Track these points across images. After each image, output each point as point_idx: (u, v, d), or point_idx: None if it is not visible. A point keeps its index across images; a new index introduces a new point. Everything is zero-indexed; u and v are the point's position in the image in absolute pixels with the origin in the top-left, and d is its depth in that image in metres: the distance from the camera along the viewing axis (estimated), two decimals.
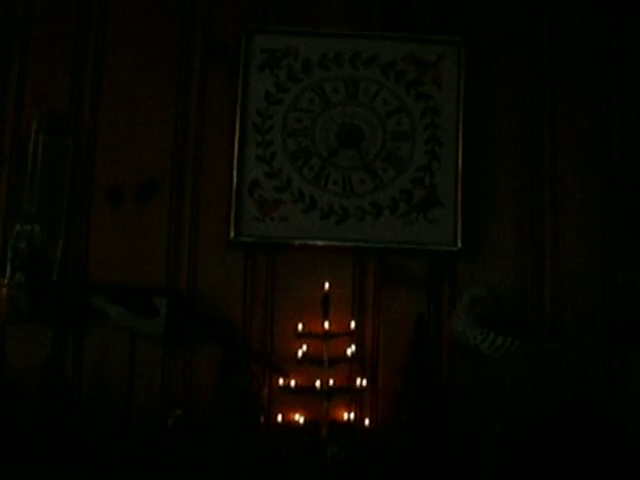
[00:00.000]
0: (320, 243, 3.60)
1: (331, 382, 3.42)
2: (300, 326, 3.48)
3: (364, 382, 3.47)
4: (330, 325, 3.46)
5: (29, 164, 3.54)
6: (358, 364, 3.51)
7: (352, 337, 3.50)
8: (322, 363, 3.43)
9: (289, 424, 3.40)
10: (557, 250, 3.68)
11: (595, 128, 3.76)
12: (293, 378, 3.45)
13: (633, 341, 3.51)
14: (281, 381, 3.45)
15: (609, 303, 3.61)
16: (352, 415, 3.44)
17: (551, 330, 3.53)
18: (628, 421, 3.40)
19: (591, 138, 3.76)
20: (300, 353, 3.44)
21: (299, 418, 3.41)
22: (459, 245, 3.62)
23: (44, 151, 3.56)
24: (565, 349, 3.45)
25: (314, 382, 3.42)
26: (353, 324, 3.52)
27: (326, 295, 3.48)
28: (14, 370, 3.40)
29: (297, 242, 3.60)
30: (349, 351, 3.47)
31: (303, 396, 3.42)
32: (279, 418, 3.41)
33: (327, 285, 3.49)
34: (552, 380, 3.42)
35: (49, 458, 3.14)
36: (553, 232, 3.69)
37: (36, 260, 3.44)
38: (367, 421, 3.44)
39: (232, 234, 3.57)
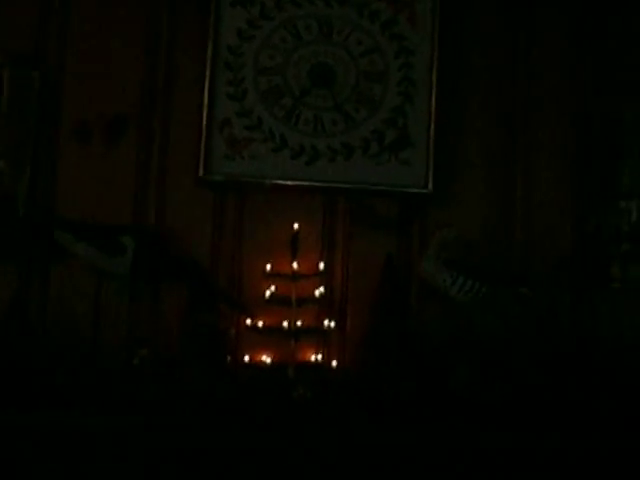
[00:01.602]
0: (290, 183, 3.58)
1: (299, 323, 3.44)
2: (268, 266, 3.49)
3: (332, 323, 3.48)
4: (299, 266, 3.47)
5: None
6: (326, 305, 3.52)
7: (321, 278, 3.51)
8: (290, 303, 3.44)
9: (256, 364, 3.42)
10: (528, 194, 3.68)
11: (568, 68, 3.76)
12: (261, 318, 3.46)
13: (601, 285, 3.56)
14: (248, 321, 3.45)
15: (579, 247, 3.63)
16: (319, 356, 3.47)
17: (521, 274, 3.54)
18: (596, 362, 3.43)
19: (564, 80, 3.74)
20: (268, 293, 3.46)
21: (266, 359, 3.43)
22: (430, 187, 3.61)
23: (10, 85, 3.53)
24: (535, 293, 3.45)
25: (282, 322, 3.43)
26: (322, 265, 3.53)
27: (295, 235, 3.48)
28: None
29: (267, 181, 3.57)
30: (317, 292, 3.48)
31: (270, 336, 3.43)
32: (246, 358, 3.43)
33: (296, 225, 3.49)
34: (522, 324, 3.41)
35: (14, 399, 3.10)
36: (525, 176, 3.68)
37: (1, 197, 3.42)
38: (334, 362, 3.46)
39: (201, 172, 3.55)
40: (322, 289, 3.48)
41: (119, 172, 3.57)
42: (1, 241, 3.40)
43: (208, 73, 3.59)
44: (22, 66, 3.54)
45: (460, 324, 3.45)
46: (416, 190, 3.62)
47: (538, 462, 3.13)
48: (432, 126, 3.64)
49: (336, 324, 3.49)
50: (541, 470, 3.13)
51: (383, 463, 3.11)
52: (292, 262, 3.46)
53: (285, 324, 3.42)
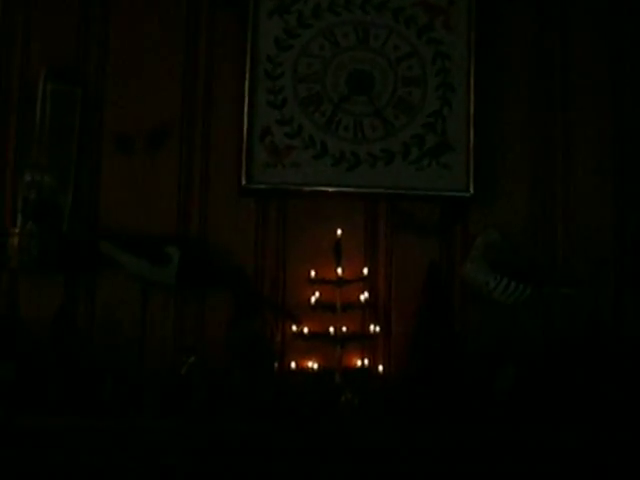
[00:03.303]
0: (331, 189, 3.58)
1: (344, 329, 3.41)
2: (313, 272, 3.47)
3: (377, 328, 3.46)
4: (343, 271, 3.45)
5: (37, 113, 3.51)
6: (371, 310, 3.50)
7: (365, 283, 3.49)
8: (335, 309, 3.42)
9: (302, 371, 3.40)
10: (569, 195, 3.66)
11: (608, 70, 3.73)
12: (306, 325, 3.44)
13: None
14: (294, 328, 3.44)
15: (620, 247, 3.61)
16: (365, 361, 3.44)
17: (563, 275, 3.53)
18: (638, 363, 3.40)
19: (605, 81, 3.72)
20: (313, 299, 3.44)
21: (312, 365, 3.41)
22: (471, 191, 3.59)
23: (52, 100, 3.53)
24: (577, 294, 3.45)
25: (327, 329, 3.41)
26: (366, 270, 3.51)
27: (338, 241, 3.47)
28: (26, 319, 3.40)
29: (309, 188, 3.58)
30: (362, 297, 3.46)
31: (316, 343, 3.42)
32: (292, 365, 3.41)
33: (339, 231, 3.48)
34: (564, 324, 3.44)
35: (62, 408, 3.14)
36: (566, 177, 3.67)
37: (46, 209, 3.43)
38: (381, 367, 3.44)
39: (243, 181, 3.55)
40: (366, 294, 3.48)
41: (161, 183, 3.56)
42: (47, 253, 3.41)
43: (247, 82, 3.59)
44: (64, 81, 3.57)
45: (504, 326, 3.44)
46: (457, 194, 3.62)
47: (584, 461, 3.15)
48: (471, 129, 3.62)
49: (381, 329, 3.49)
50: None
51: (430, 466, 3.13)
52: (336, 268, 3.46)
53: (331, 330, 3.41)
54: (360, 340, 3.45)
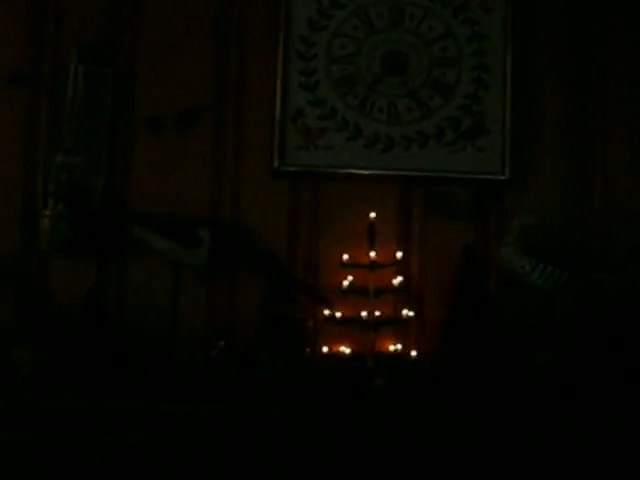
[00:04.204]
0: (365, 172, 3.56)
1: (377, 313, 3.40)
2: (345, 256, 3.45)
3: (410, 313, 3.44)
4: (376, 255, 3.43)
5: (68, 95, 3.51)
6: (404, 295, 3.49)
7: (398, 267, 3.48)
8: (368, 293, 3.40)
9: (335, 355, 3.39)
10: (605, 179, 3.64)
11: None
12: (338, 309, 3.42)
13: None
14: (326, 312, 3.42)
15: None
16: (398, 346, 3.44)
17: (598, 260, 3.49)
18: None
19: None
20: (346, 283, 3.42)
21: (345, 349, 3.40)
22: (507, 174, 3.57)
23: (83, 81, 3.52)
24: (612, 279, 3.42)
25: (360, 313, 3.39)
26: (399, 254, 3.49)
27: (372, 225, 3.45)
28: (58, 301, 3.39)
29: (342, 171, 3.57)
30: (395, 281, 3.44)
31: (349, 327, 3.41)
32: (324, 349, 3.40)
33: (372, 215, 3.46)
34: (598, 309, 3.41)
35: (95, 390, 3.14)
36: (602, 161, 3.65)
37: (78, 191, 3.43)
38: (414, 352, 3.42)
39: (276, 163, 3.54)
40: (400, 278, 3.46)
41: (193, 165, 3.56)
42: (78, 236, 3.40)
43: (280, 63, 3.57)
44: (95, 62, 3.55)
45: (539, 311, 3.43)
46: (492, 177, 3.59)
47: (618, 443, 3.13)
48: (507, 112, 3.60)
49: (415, 314, 3.46)
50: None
51: (462, 450, 3.11)
52: (369, 252, 3.44)
53: (363, 314, 3.39)
54: (393, 325, 3.44)
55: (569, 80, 3.67)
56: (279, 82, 3.56)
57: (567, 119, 3.65)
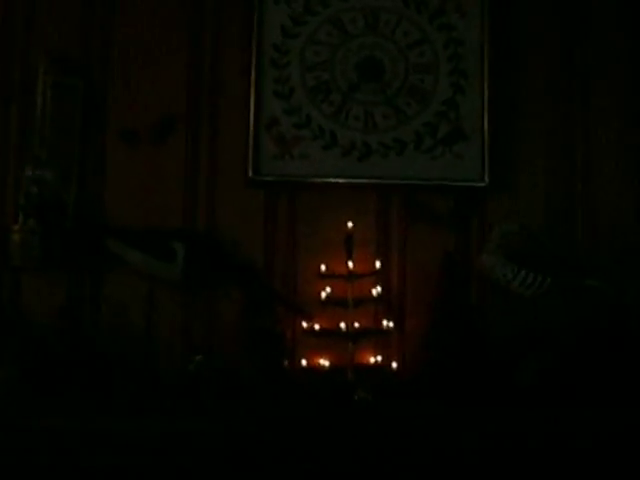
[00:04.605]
0: (342, 181, 3.51)
1: (356, 324, 3.35)
2: (323, 267, 3.41)
3: (390, 324, 3.40)
4: (354, 265, 3.38)
5: (38, 106, 3.45)
6: (384, 305, 3.44)
7: (377, 277, 3.43)
8: (347, 304, 3.36)
9: (314, 368, 3.35)
10: (589, 182, 3.57)
11: (630, 56, 3.63)
12: (317, 321, 3.39)
13: None
14: (305, 324, 3.38)
15: None
16: (379, 358, 3.39)
17: (588, 265, 3.43)
18: None
19: (625, 67, 3.62)
20: (324, 294, 3.38)
21: (324, 362, 3.36)
22: (486, 180, 3.51)
23: (53, 92, 3.46)
24: (604, 285, 3.36)
25: (339, 324, 3.35)
26: (378, 264, 3.44)
27: (349, 234, 3.40)
28: (30, 319, 3.34)
29: (318, 180, 3.51)
30: (374, 292, 3.40)
31: (328, 339, 3.36)
32: (303, 362, 3.36)
33: (350, 224, 3.41)
34: (588, 317, 3.33)
35: (69, 406, 3.06)
36: (585, 164, 3.58)
37: (49, 205, 3.37)
38: (394, 364, 3.38)
39: (250, 173, 3.48)
40: (379, 288, 3.41)
41: (167, 176, 3.50)
42: (50, 250, 3.35)
43: (254, 72, 3.51)
44: (65, 73, 3.49)
45: (524, 319, 3.37)
46: (472, 184, 3.53)
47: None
48: (486, 117, 3.53)
49: (395, 324, 3.41)
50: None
51: (448, 463, 3.03)
52: (347, 262, 3.38)
53: (342, 326, 3.35)
54: (373, 336, 3.39)
55: (550, 84, 3.60)
56: (253, 90, 3.50)
57: (547, 122, 3.60)
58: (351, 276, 3.37)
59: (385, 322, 3.39)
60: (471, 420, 3.04)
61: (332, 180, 3.51)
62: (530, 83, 3.61)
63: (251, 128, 3.50)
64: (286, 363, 3.31)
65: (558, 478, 3.02)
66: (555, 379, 3.16)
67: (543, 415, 3.05)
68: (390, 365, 3.38)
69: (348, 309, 3.36)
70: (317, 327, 3.37)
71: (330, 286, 3.39)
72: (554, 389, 3.13)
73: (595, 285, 3.35)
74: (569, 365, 3.20)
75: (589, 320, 3.32)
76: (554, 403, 3.08)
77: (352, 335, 3.34)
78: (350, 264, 3.38)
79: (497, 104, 3.55)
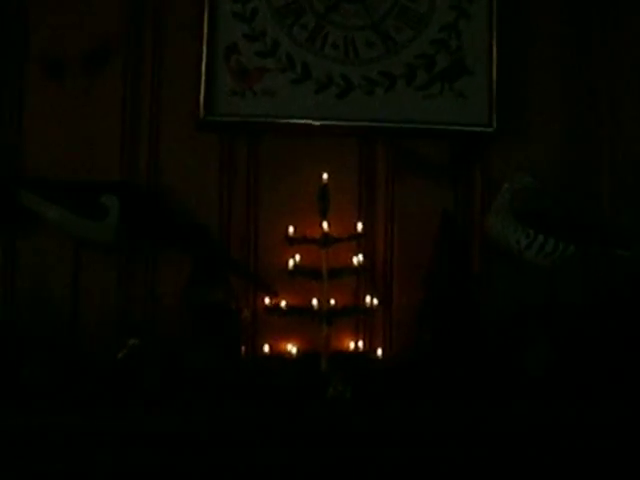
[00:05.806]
0: (316, 123, 3.24)
1: (332, 301, 3.09)
2: (291, 229, 3.14)
3: (375, 301, 3.14)
4: (330, 227, 3.11)
5: None
6: (367, 277, 3.20)
7: (359, 242, 3.17)
8: (320, 276, 3.08)
9: (278, 355, 3.12)
10: (615, 132, 3.31)
11: None
12: (283, 296, 3.13)
13: None
14: (268, 300, 3.13)
15: None
16: (360, 343, 3.16)
17: (616, 231, 3.20)
18: None
19: None
20: (292, 263, 3.11)
21: (291, 348, 3.11)
22: (494, 125, 3.26)
23: None
24: (634, 254, 3.11)
25: (310, 301, 3.08)
26: (360, 226, 3.18)
27: (324, 188, 3.13)
28: None
29: (286, 122, 3.25)
30: (355, 260, 3.13)
31: (296, 319, 3.10)
32: (265, 348, 3.11)
33: (325, 176, 3.13)
34: (615, 294, 3.16)
35: None
36: (610, 109, 3.32)
37: None
38: (379, 350, 3.13)
39: (202, 112, 3.21)
40: (361, 257, 3.13)
41: (101, 117, 3.22)
42: None
43: None
44: None
45: (537, 294, 3.12)
46: (476, 129, 3.28)
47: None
48: (494, 48, 3.27)
49: (380, 301, 3.15)
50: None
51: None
52: (321, 223, 3.10)
53: (315, 302, 3.06)
54: (353, 316, 3.15)
55: (568, 8, 3.33)
56: (206, 10, 3.21)
57: (567, 56, 3.34)
58: (326, 240, 3.11)
59: (368, 298, 3.15)
60: (471, 422, 2.77)
61: (303, 121, 3.25)
62: (547, 10, 3.34)
63: (204, 57, 3.23)
64: (243, 349, 3.05)
65: None
66: (573, 367, 2.95)
67: (560, 412, 2.81)
68: (374, 352, 3.16)
69: (322, 282, 3.09)
70: (283, 304, 3.12)
71: (300, 253, 3.12)
72: (571, 379, 2.92)
73: (627, 256, 3.12)
74: (589, 350, 2.99)
75: (616, 298, 3.16)
76: (572, 396, 2.86)
77: (327, 314, 3.08)
78: (325, 225, 3.12)
79: (508, 32, 3.30)
